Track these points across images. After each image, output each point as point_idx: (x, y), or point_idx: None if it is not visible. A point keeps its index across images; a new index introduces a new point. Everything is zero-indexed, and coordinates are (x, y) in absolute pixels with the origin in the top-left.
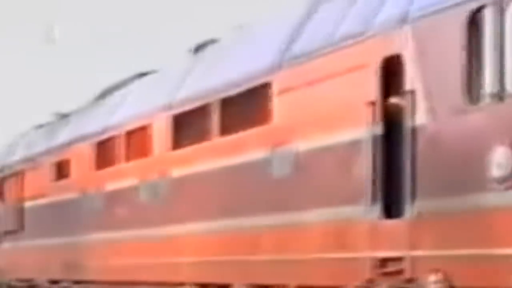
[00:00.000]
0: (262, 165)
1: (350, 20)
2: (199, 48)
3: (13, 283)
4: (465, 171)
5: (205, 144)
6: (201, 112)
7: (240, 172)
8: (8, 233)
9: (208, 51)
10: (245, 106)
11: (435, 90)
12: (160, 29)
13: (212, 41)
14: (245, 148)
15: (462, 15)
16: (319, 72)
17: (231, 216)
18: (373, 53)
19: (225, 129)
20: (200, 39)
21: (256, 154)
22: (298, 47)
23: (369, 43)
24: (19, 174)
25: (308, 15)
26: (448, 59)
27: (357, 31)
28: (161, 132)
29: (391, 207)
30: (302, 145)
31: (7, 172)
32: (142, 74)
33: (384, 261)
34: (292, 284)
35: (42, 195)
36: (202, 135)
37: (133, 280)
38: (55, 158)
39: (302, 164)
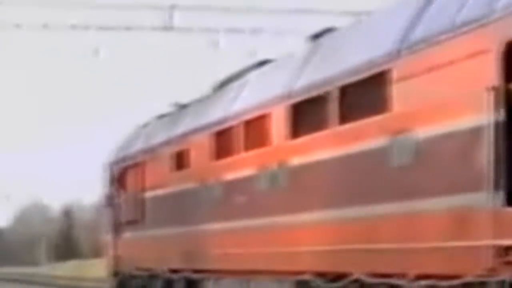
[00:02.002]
0: (382, 154)
1: (471, 5)
2: (317, 37)
3: (133, 272)
4: None
5: (323, 133)
6: (320, 100)
7: (359, 161)
8: (129, 223)
9: (326, 39)
10: (364, 94)
11: None
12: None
13: (330, 29)
14: (364, 137)
15: None
16: (439, 58)
17: (350, 205)
18: (495, 38)
19: (344, 118)
20: (318, 28)
21: (375, 142)
22: (417, 34)
23: (490, 28)
24: (140, 165)
25: (428, 1)
26: None
27: (479, 16)
28: (279, 121)
29: None
30: (422, 133)
31: (128, 162)
32: (260, 64)
33: (508, 250)
34: (411, 273)
35: (162, 185)
36: (320, 124)
37: (252, 269)
38: (174, 149)
39: (422, 152)
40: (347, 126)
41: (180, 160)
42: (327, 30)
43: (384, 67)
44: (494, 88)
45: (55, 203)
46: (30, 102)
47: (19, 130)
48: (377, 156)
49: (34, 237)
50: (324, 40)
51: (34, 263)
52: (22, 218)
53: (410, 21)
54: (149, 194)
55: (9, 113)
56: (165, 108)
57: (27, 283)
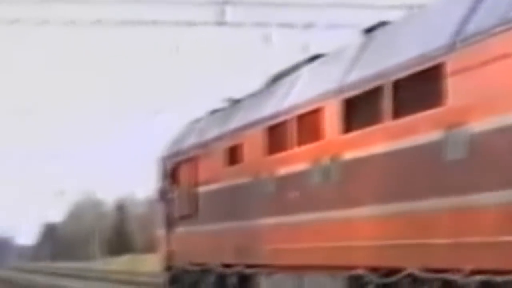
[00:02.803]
0: (436, 148)
1: None
2: (370, 30)
3: (186, 267)
4: None
5: (377, 127)
6: (373, 94)
7: (412, 155)
8: (182, 217)
9: (380, 32)
10: (418, 88)
11: None
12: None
13: (383, 23)
14: (418, 131)
15: None
16: (494, 51)
17: (403, 200)
18: None
19: (398, 112)
20: (371, 22)
21: (429, 137)
22: (472, 27)
23: None
24: (193, 160)
25: None
26: None
27: None
28: (332, 116)
29: None
30: (476, 127)
31: (181, 157)
32: (313, 58)
33: None
34: (466, 268)
35: (215, 180)
36: (374, 118)
37: (305, 263)
38: (228, 143)
39: (476, 146)
40: (401, 120)
41: (233, 155)
42: (381, 24)
43: (439, 61)
44: None
45: (108, 198)
46: (83, 98)
47: (72, 126)
48: (431, 150)
49: (88, 232)
50: (377, 33)
51: (88, 258)
52: (76, 213)
53: (465, 13)
54: (202, 189)
55: (64, 110)
56: (218, 103)
57: (81, 278)
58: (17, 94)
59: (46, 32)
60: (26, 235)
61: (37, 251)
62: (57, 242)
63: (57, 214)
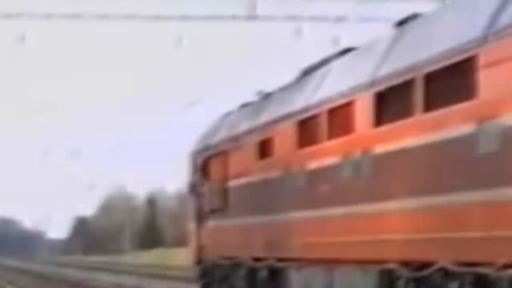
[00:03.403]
0: (468, 141)
1: None
2: (401, 23)
3: (217, 261)
4: None
5: (408, 120)
6: (404, 88)
7: (444, 148)
8: (213, 211)
9: (411, 25)
10: (450, 81)
11: None
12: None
13: (415, 16)
14: (450, 124)
15: None
16: None
17: (435, 193)
18: None
19: (429, 105)
20: (403, 15)
21: (461, 130)
22: (504, 19)
23: None
24: (223, 153)
25: None
26: None
27: None
28: (363, 109)
29: None
30: (509, 120)
31: (212, 151)
32: (344, 52)
33: None
34: (499, 262)
35: (246, 174)
36: (405, 111)
37: (336, 257)
38: (258, 137)
39: (509, 139)
40: (433, 113)
41: (264, 149)
42: (412, 17)
43: (471, 53)
44: None
45: (139, 191)
46: (114, 92)
47: (103, 120)
48: (463, 144)
49: (119, 226)
50: (409, 26)
51: (118, 251)
52: (107, 207)
53: (497, 6)
54: (232, 182)
55: (94, 103)
56: (249, 97)
57: (112, 271)
58: (43, 89)
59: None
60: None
61: (68, 245)
62: (88, 236)
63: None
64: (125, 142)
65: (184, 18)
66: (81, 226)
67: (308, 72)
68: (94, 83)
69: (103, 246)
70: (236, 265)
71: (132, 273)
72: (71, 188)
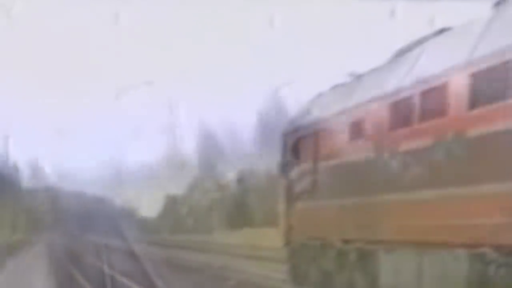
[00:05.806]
0: None
1: None
2: (499, 3)
3: (306, 242)
4: None
5: (505, 103)
6: (502, 69)
7: None
8: (303, 192)
9: (509, 5)
10: None
11: None
12: None
13: None
14: None
15: None
16: None
17: None
18: None
19: None
20: None
21: None
22: None
23: None
24: (314, 135)
25: None
26: None
27: None
28: (458, 91)
29: None
30: None
31: (303, 132)
32: (439, 32)
33: None
34: None
35: (336, 155)
36: (502, 94)
37: (427, 240)
38: (349, 119)
39: None
40: None
41: (355, 130)
42: None
43: None
44: None
45: (228, 171)
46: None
47: (193, 96)
48: None
49: (207, 205)
50: (507, 6)
51: (207, 230)
52: (196, 186)
53: None
54: (323, 164)
55: (188, 81)
56: (341, 78)
57: (202, 250)
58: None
59: None
60: (148, 207)
61: (158, 224)
62: (176, 214)
63: (177, 187)
64: (214, 120)
65: None
66: (171, 204)
67: (402, 53)
68: (189, 59)
69: (192, 225)
70: (325, 246)
71: (222, 252)
72: (161, 167)
